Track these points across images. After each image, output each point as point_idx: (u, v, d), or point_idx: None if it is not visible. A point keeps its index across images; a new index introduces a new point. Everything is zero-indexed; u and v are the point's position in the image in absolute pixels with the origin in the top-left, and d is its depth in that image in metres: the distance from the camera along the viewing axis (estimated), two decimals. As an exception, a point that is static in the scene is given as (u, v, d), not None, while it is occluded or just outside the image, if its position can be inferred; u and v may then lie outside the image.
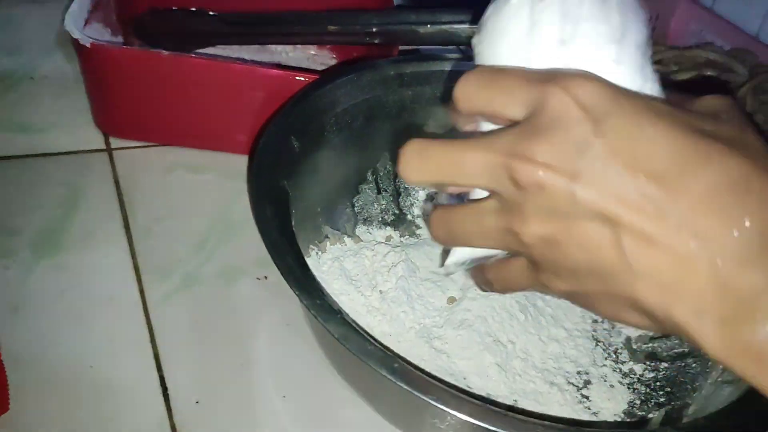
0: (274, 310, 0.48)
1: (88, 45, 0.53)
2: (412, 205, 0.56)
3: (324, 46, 0.72)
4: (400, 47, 0.59)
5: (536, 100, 0.27)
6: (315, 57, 0.72)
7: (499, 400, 0.44)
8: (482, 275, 0.35)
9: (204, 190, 0.57)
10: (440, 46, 0.57)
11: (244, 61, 0.60)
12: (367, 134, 0.52)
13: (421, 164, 0.30)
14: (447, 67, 0.54)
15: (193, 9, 0.65)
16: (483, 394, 0.44)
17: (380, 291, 0.48)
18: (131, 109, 0.58)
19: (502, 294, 0.32)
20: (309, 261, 0.41)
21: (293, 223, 0.42)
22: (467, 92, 0.30)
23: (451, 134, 0.55)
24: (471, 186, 0.31)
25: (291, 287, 0.37)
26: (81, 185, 0.55)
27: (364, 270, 0.49)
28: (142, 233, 0.52)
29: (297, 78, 0.53)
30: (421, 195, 0.57)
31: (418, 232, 0.55)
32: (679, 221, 0.25)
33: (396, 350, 0.45)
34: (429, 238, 0.53)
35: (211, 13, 0.64)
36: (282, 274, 0.37)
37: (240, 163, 0.59)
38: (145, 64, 0.54)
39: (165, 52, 0.53)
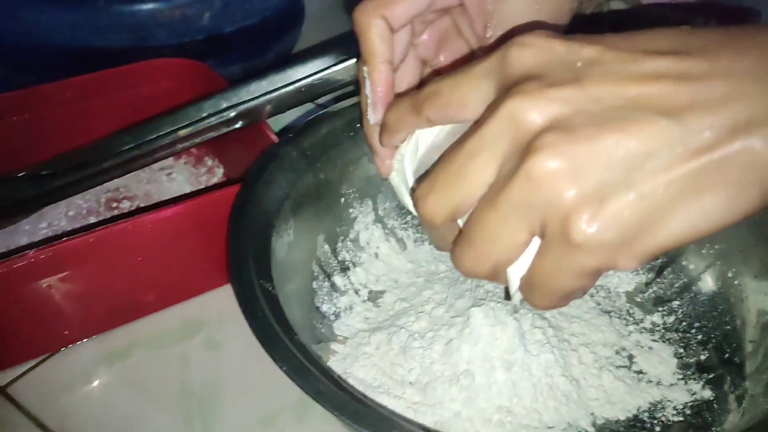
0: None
1: None
2: (366, 270, 0.51)
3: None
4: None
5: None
6: (169, 174, 0.62)
7: (581, 422, 0.42)
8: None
9: (142, 374, 0.46)
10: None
11: (142, 211, 0.50)
12: (301, 228, 0.46)
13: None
14: (341, 120, 0.49)
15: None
16: (571, 422, 0.42)
17: (410, 383, 0.43)
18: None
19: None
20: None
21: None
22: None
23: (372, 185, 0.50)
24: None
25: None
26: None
27: (379, 370, 0.44)
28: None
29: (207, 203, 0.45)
30: (365, 257, 0.52)
31: (383, 298, 0.50)
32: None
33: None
34: (395, 299, 0.49)
35: (20, 174, 0.52)
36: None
37: (159, 323, 0.49)
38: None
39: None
